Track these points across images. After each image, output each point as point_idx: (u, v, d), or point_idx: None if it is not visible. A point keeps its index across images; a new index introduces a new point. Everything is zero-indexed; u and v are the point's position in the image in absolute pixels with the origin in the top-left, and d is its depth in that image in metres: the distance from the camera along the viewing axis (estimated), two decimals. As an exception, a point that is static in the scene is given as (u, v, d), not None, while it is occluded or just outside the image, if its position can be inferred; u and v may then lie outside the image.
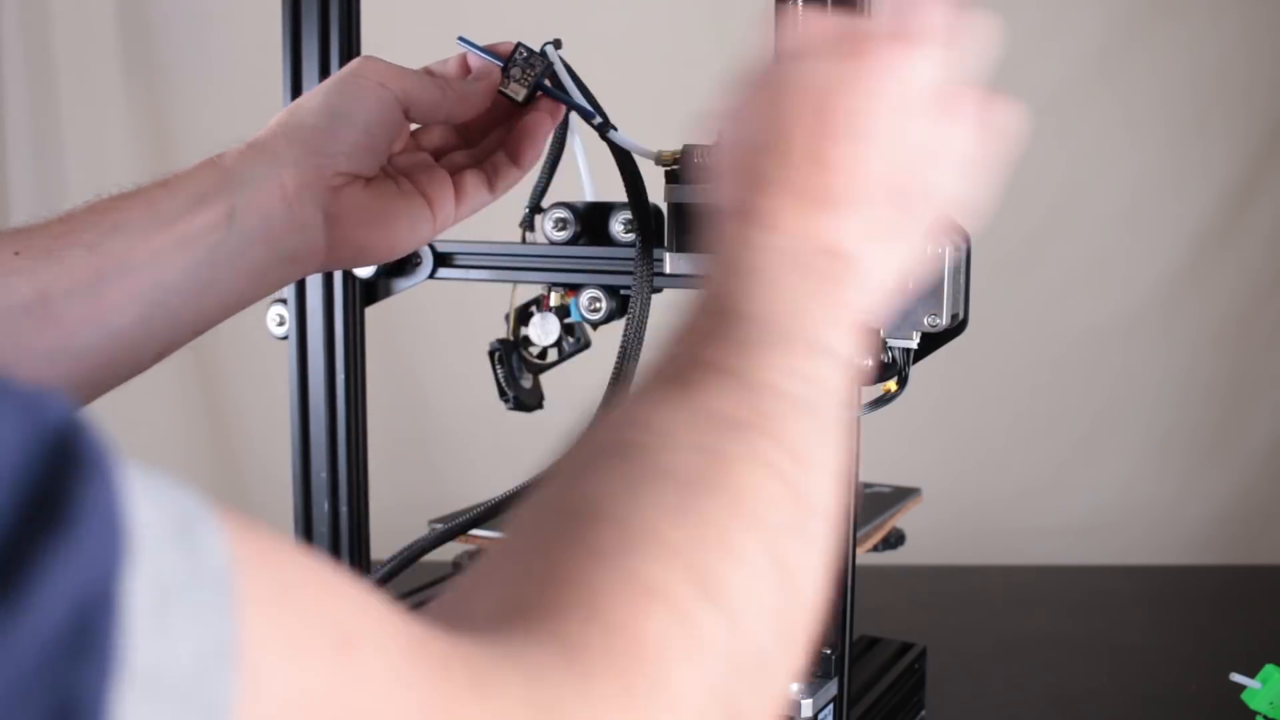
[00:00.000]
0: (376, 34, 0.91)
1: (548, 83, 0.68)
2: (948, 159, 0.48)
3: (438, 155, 0.70)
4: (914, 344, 0.66)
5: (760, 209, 0.45)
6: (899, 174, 0.46)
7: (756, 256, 0.44)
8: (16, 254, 0.54)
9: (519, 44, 0.68)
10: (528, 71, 0.67)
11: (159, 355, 0.60)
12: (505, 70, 0.67)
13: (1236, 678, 0.77)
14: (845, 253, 0.45)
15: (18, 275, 0.54)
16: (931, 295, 0.65)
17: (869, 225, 0.46)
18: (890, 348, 0.67)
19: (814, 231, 0.45)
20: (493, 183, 0.69)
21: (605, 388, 0.70)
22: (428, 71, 0.68)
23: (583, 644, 0.31)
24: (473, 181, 0.69)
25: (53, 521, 0.21)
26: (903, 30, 0.47)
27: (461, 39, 0.68)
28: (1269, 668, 0.77)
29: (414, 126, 0.69)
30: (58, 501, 0.22)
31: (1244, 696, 0.77)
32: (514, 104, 0.68)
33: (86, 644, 0.21)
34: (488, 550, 0.36)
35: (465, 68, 0.69)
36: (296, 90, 0.84)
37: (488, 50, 0.68)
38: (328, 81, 0.64)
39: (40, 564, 0.21)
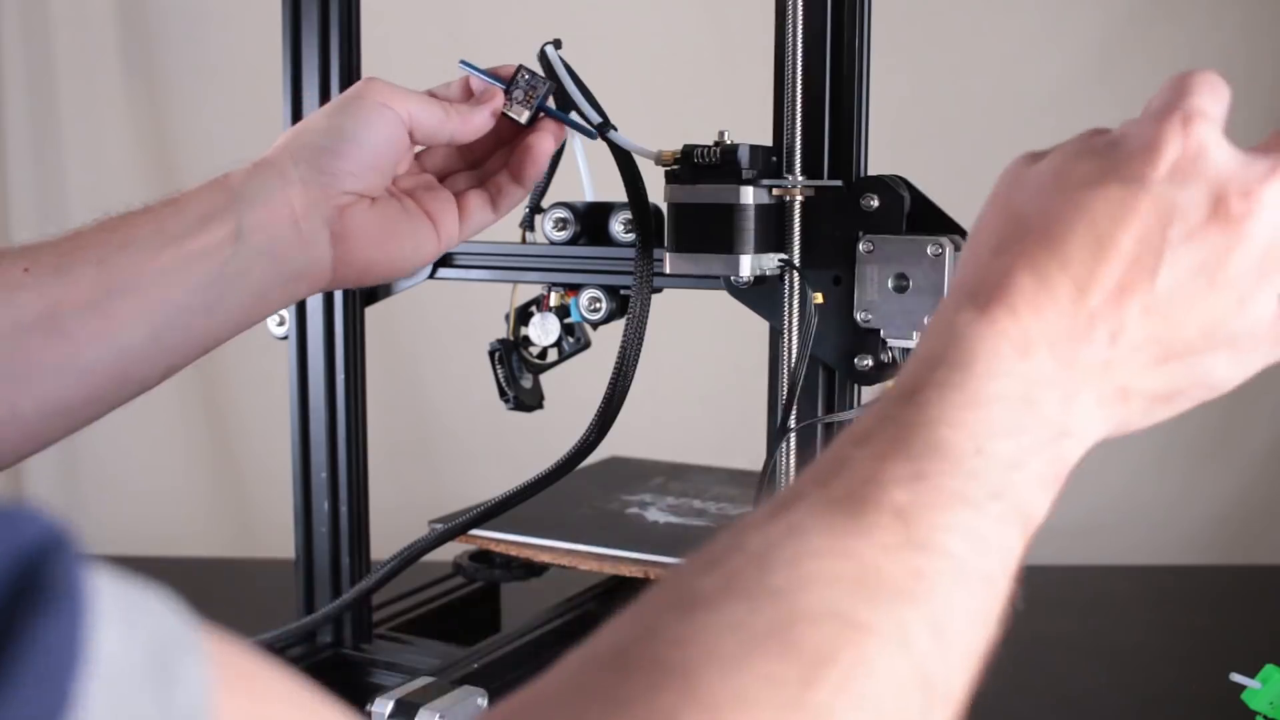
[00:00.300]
0: (377, 34, 0.91)
1: (551, 104, 0.68)
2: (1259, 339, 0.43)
3: (441, 177, 0.71)
4: (914, 344, 0.66)
5: (1009, 299, 0.40)
6: (1211, 338, 0.42)
7: (987, 377, 0.38)
8: (25, 270, 0.55)
9: (521, 66, 0.68)
10: (530, 94, 0.68)
11: (167, 372, 0.60)
12: (508, 92, 0.68)
13: (1236, 678, 0.77)
14: (1106, 400, 0.40)
15: (26, 291, 0.54)
16: (932, 295, 0.65)
17: (1139, 377, 0.41)
18: (890, 348, 0.67)
19: (1073, 360, 0.39)
20: (496, 202, 0.70)
21: (606, 388, 0.70)
22: (431, 94, 0.68)
23: None
24: (476, 201, 0.69)
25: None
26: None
27: (464, 62, 0.69)
28: (1269, 668, 0.77)
29: (418, 149, 0.70)
30: (4, 640, 0.20)
31: (1244, 696, 0.77)
32: (517, 125, 0.68)
33: None
34: (536, 690, 0.32)
35: (468, 90, 0.69)
36: (296, 90, 0.84)
37: (490, 73, 0.68)
38: (333, 102, 0.65)
39: None
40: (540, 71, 0.69)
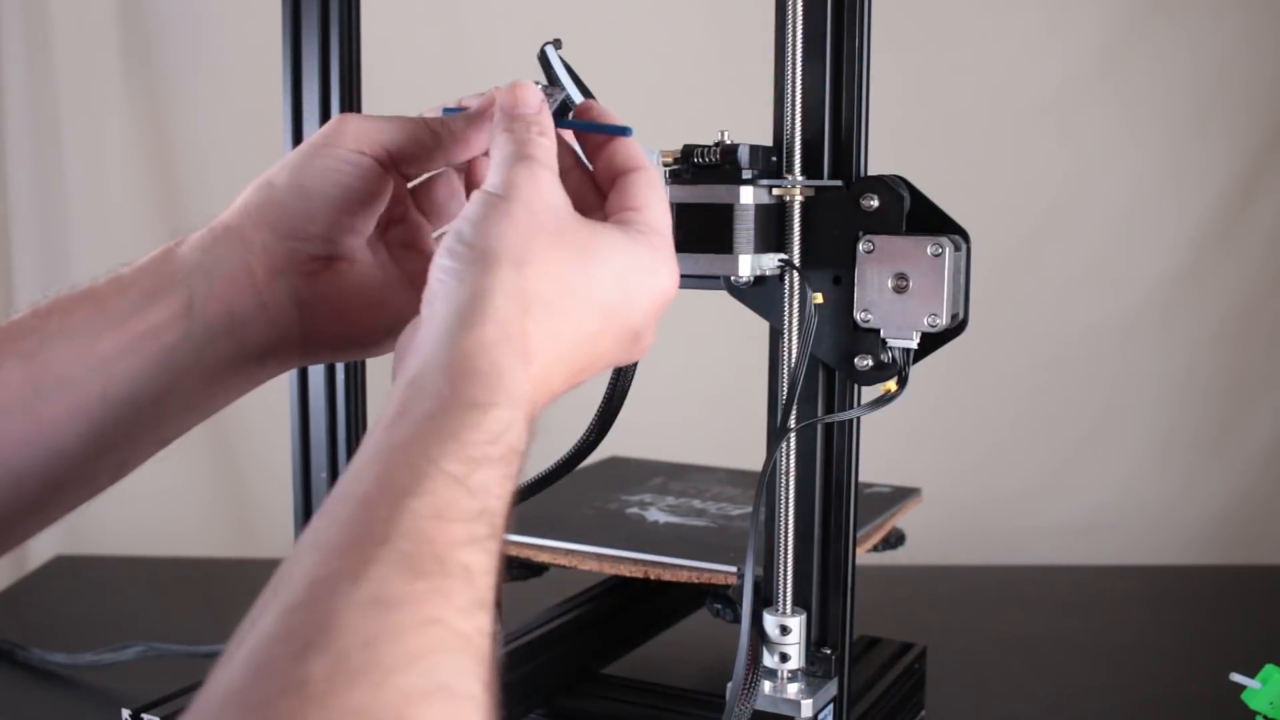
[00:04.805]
0: (377, 34, 0.91)
1: (571, 116, 0.62)
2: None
3: (442, 214, 0.63)
4: (914, 344, 0.66)
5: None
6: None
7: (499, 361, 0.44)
8: None
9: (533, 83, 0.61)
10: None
11: (116, 474, 0.54)
12: None
13: (1236, 678, 0.77)
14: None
15: None
16: (931, 295, 0.65)
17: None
18: (890, 348, 0.67)
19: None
20: None
21: (606, 388, 0.70)
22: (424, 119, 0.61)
23: None
24: None
25: None
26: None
27: (448, 110, 0.60)
28: (1269, 668, 0.77)
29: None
30: None
31: (1244, 696, 0.77)
32: None
33: None
34: None
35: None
36: (296, 90, 0.84)
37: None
38: (300, 151, 0.57)
39: None
40: (543, 79, 0.63)
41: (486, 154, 0.59)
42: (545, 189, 0.50)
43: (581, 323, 0.48)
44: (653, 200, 0.53)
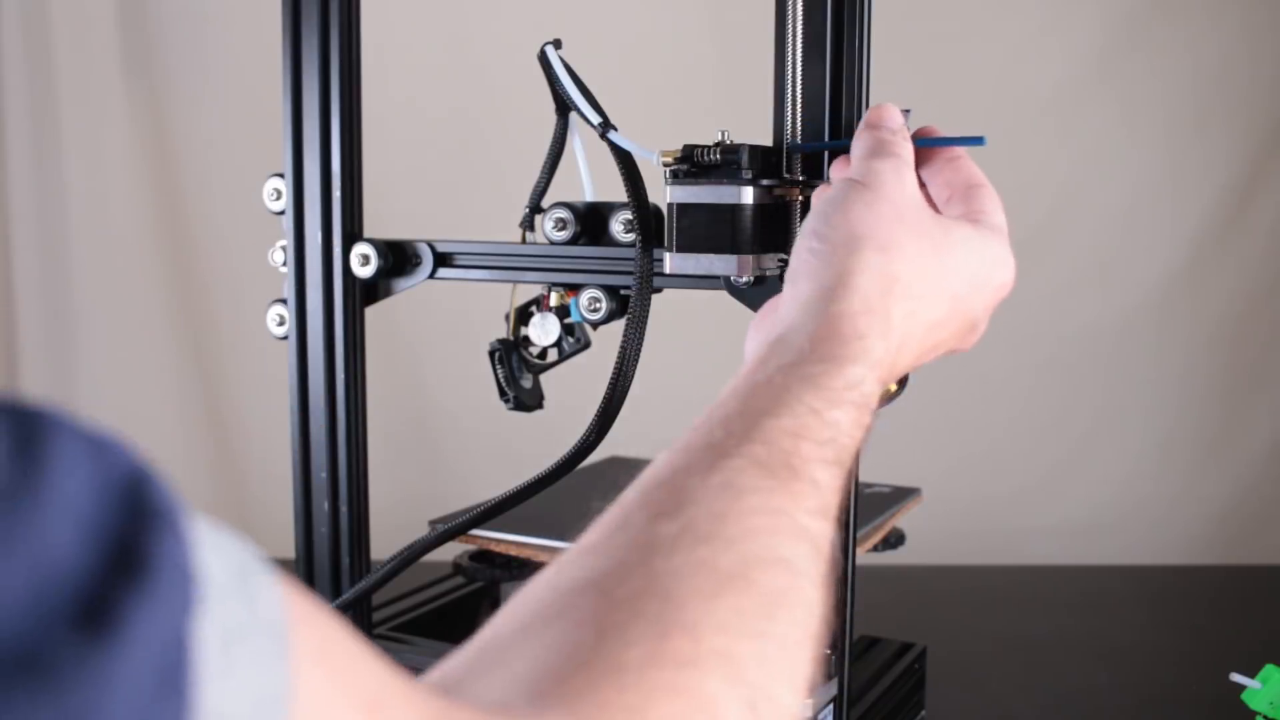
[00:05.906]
0: (376, 34, 0.91)
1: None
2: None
3: None
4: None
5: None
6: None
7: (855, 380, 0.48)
8: None
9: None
10: None
11: None
12: None
13: (1236, 678, 0.77)
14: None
15: None
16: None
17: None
18: (890, 348, 0.67)
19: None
20: None
21: (606, 388, 0.70)
22: None
23: None
24: None
25: (133, 572, 0.23)
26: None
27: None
28: (1269, 668, 0.77)
29: None
30: (135, 552, 0.23)
31: (1244, 696, 0.77)
32: None
33: (167, 686, 0.23)
34: (511, 618, 0.37)
35: None
36: (296, 90, 0.84)
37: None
38: None
39: (126, 612, 0.22)
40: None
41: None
42: (907, 183, 0.56)
43: (934, 309, 0.53)
44: (997, 209, 0.59)
